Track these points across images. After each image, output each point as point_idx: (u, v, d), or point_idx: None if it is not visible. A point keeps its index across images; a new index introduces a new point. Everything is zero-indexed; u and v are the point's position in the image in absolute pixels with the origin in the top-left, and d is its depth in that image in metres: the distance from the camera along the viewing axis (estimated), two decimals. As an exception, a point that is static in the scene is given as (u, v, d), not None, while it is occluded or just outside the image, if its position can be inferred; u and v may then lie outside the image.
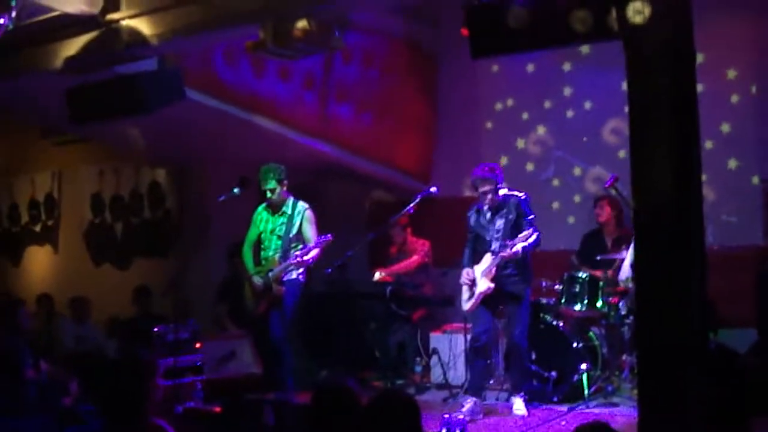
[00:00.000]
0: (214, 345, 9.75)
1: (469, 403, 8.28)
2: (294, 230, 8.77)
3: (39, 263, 14.40)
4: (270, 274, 8.74)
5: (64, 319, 11.84)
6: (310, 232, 8.76)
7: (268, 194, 8.83)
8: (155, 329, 9.09)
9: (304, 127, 10.73)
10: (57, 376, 8.33)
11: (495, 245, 8.30)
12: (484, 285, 8.26)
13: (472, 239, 8.56)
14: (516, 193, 8.44)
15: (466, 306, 8.46)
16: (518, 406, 8.34)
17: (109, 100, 8.23)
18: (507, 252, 8.12)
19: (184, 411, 8.48)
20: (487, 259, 8.33)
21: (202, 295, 11.67)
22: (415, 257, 10.49)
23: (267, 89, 10.20)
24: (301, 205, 8.86)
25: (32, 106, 10.43)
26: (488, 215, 8.42)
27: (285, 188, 8.86)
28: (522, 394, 8.41)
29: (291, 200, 8.87)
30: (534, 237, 8.15)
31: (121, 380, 5.09)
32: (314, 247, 8.59)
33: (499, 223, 8.32)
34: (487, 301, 8.36)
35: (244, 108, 9.97)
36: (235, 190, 9.20)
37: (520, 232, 8.16)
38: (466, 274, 8.41)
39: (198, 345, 9.22)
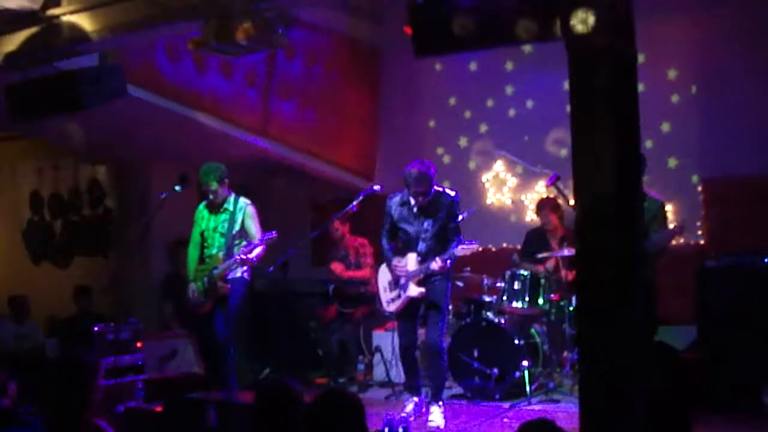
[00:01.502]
0: (156, 344, 9.70)
1: (410, 403, 8.25)
2: (237, 227, 8.71)
3: (-24, 262, 14.21)
4: (214, 271, 8.67)
5: (3, 320, 11.67)
6: (253, 228, 8.72)
7: (210, 195, 8.77)
8: (95, 328, 8.99)
9: (246, 125, 10.68)
10: (-5, 376, 8.24)
11: (422, 245, 8.02)
12: (415, 290, 8.00)
13: (389, 230, 8.24)
14: (448, 191, 8.08)
15: (392, 307, 8.25)
16: (435, 417, 7.91)
17: (50, 97, 8.10)
18: (438, 266, 7.86)
19: (125, 410, 8.41)
20: (413, 260, 8.07)
21: (143, 293, 11.61)
22: (368, 263, 10.44)
23: (209, 86, 10.14)
24: (243, 201, 8.80)
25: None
26: (415, 210, 8.04)
27: (226, 187, 8.80)
28: (440, 402, 8.05)
29: (232, 197, 8.81)
30: (453, 244, 7.90)
31: (62, 381, 5.04)
32: (258, 245, 8.55)
33: (428, 223, 7.99)
34: (410, 304, 8.13)
35: (186, 105, 9.90)
36: (176, 188, 9.16)
37: (447, 235, 7.97)
38: (401, 268, 8.10)
39: (139, 344, 9.15)
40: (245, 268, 8.70)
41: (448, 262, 7.91)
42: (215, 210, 8.83)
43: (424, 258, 7.99)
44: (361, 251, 10.48)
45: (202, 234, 8.89)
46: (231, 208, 8.76)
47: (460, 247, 7.85)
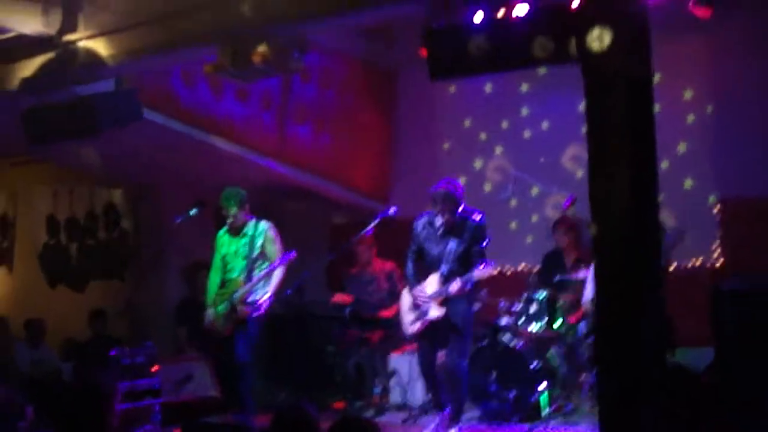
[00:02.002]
0: (172, 368, 9.68)
1: (434, 422, 8.20)
2: (257, 250, 8.71)
3: (-7, 285, 14.24)
4: (234, 295, 8.67)
5: (18, 342, 11.69)
6: (273, 250, 8.73)
7: (230, 219, 8.79)
8: (111, 352, 8.99)
9: (261, 148, 10.70)
10: (12, 400, 8.23)
11: (444, 267, 8.01)
12: (435, 312, 8.00)
13: (415, 251, 8.27)
14: (475, 215, 8.10)
15: (412, 329, 8.22)
16: None
17: (66, 121, 8.16)
18: (456, 288, 7.88)
19: (142, 434, 8.41)
20: (434, 282, 8.07)
21: (159, 317, 11.60)
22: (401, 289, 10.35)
23: (225, 110, 10.17)
24: (263, 224, 8.81)
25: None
26: (441, 231, 8.07)
27: (246, 211, 8.81)
28: (457, 425, 8.08)
29: (252, 221, 8.82)
30: (482, 268, 7.87)
31: (78, 405, 5.04)
32: (278, 265, 8.56)
33: (452, 244, 8.00)
34: (430, 326, 8.10)
35: (202, 129, 9.92)
36: (192, 212, 9.18)
37: (470, 258, 7.95)
38: (420, 294, 8.13)
39: (155, 368, 9.13)
40: (267, 291, 8.68)
41: (468, 285, 7.87)
42: (235, 234, 8.84)
43: (446, 279, 7.98)
44: (396, 275, 10.36)
45: (223, 259, 8.89)
46: (251, 232, 8.76)
47: (477, 270, 7.82)
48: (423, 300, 8.09)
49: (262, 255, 8.73)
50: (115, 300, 12.08)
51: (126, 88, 8.38)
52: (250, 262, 8.69)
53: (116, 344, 9.70)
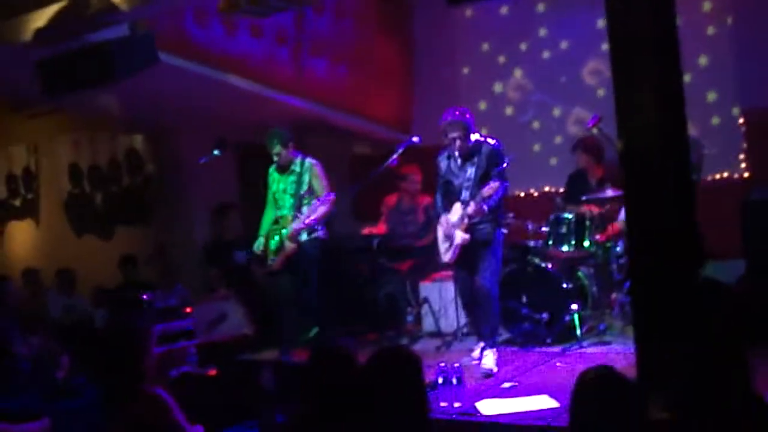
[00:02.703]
0: (204, 308, 9.76)
1: (477, 348, 8.22)
2: (304, 186, 8.82)
3: (21, 238, 14.30)
4: (283, 231, 8.74)
5: (51, 291, 11.79)
6: (319, 187, 8.85)
7: (275, 158, 8.90)
8: (144, 297, 9.06)
9: (279, 84, 10.63)
10: (48, 349, 8.32)
11: (465, 194, 8.00)
12: (459, 237, 7.99)
13: (442, 185, 8.29)
14: (489, 140, 8.08)
15: (446, 257, 8.24)
16: (488, 360, 7.90)
17: (81, 70, 8.11)
18: (472, 209, 7.85)
19: (179, 376, 8.49)
20: (458, 209, 8.06)
21: (188, 259, 11.65)
22: None
23: (240, 48, 10.09)
24: (309, 161, 8.92)
25: (2, 80, 10.30)
26: (459, 161, 8.09)
27: (291, 149, 8.91)
28: (492, 347, 8.04)
29: (299, 158, 8.92)
30: (497, 189, 7.81)
31: (113, 351, 5.08)
32: (319, 205, 8.63)
33: (470, 171, 8.00)
34: (463, 252, 8.09)
35: (218, 68, 9.86)
36: (215, 152, 9.20)
37: (491, 181, 7.88)
38: (445, 222, 8.18)
39: (188, 310, 9.21)
40: (319, 227, 8.81)
41: (483, 205, 7.84)
42: (283, 171, 8.95)
43: (468, 205, 7.97)
44: (432, 209, 10.39)
45: (273, 195, 9.00)
46: (298, 169, 8.84)
47: (485, 188, 7.81)
48: (449, 228, 8.11)
49: (310, 191, 8.83)
50: (143, 245, 12.13)
51: (141, 33, 8.31)
52: (298, 199, 8.78)
53: (147, 289, 9.78)
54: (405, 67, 12.27)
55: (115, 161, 12.96)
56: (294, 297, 8.88)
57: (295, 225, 8.70)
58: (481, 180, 7.94)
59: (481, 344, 8.16)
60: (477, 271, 8.05)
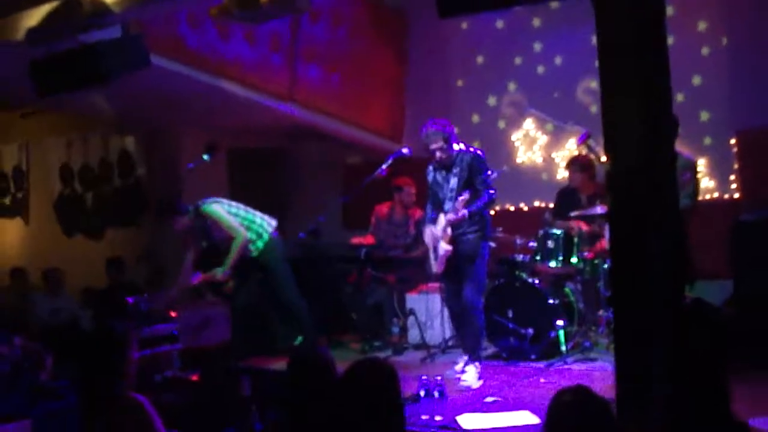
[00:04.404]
0: (190, 314, 9.72)
1: (461, 361, 8.22)
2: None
3: (10, 236, 14.27)
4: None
5: (38, 292, 11.74)
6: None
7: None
8: (129, 299, 9.02)
9: (272, 91, 10.62)
10: (32, 351, 8.28)
11: (448, 205, 7.98)
12: (443, 248, 7.98)
13: (431, 196, 8.28)
14: (470, 149, 8.09)
15: (435, 268, 8.24)
16: (468, 376, 7.87)
17: (74, 71, 8.08)
18: (451, 216, 7.86)
19: (162, 380, 8.44)
20: (442, 220, 8.06)
21: (176, 262, 11.60)
22: None
23: (233, 53, 10.08)
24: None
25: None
26: (443, 172, 8.09)
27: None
28: (475, 361, 8.07)
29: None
30: (476, 201, 7.81)
31: (97, 353, 5.06)
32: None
33: (453, 181, 7.98)
34: (449, 264, 8.07)
35: (211, 72, 9.84)
36: (205, 157, 9.18)
37: (476, 189, 7.89)
38: (430, 233, 8.17)
39: (173, 314, 9.18)
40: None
41: (457, 214, 7.81)
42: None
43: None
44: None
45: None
46: None
47: (459, 198, 7.80)
48: (434, 240, 8.12)
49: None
50: (132, 247, 12.11)
51: (133, 34, 8.28)
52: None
53: (134, 291, 9.74)
54: (399, 78, 12.26)
55: (106, 162, 12.94)
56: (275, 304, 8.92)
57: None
58: (464, 189, 7.91)
59: (465, 357, 8.16)
60: (463, 284, 8.04)
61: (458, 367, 8.17)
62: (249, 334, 9.25)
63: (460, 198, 7.79)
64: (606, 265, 8.91)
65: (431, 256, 8.32)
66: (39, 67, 8.19)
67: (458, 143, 8.09)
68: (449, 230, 7.95)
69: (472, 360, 8.02)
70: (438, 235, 8.05)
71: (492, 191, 7.97)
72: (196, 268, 10.20)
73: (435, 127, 7.93)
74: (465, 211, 7.80)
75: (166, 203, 9.09)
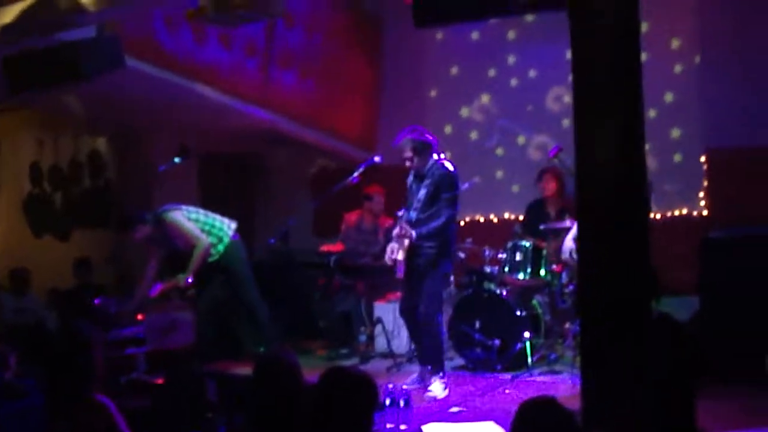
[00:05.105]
0: (157, 316, 9.66)
1: (416, 372, 8.22)
2: None
3: (-23, 235, 14.15)
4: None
5: (3, 291, 11.64)
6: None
7: None
8: (96, 301, 8.97)
9: (245, 95, 10.60)
10: (-5, 349, 8.21)
11: (412, 214, 7.88)
12: (400, 255, 7.91)
13: (407, 200, 8.17)
14: (446, 163, 7.94)
15: (400, 273, 8.12)
16: (435, 387, 7.84)
17: (47, 69, 8.05)
18: (397, 231, 7.86)
19: (127, 382, 8.40)
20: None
21: (144, 265, 11.55)
22: None
23: (208, 56, 10.06)
24: None
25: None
26: (417, 181, 8.00)
27: None
28: (439, 373, 7.95)
29: None
30: (440, 218, 7.78)
31: (62, 354, 5.01)
32: None
33: (422, 192, 7.87)
34: (407, 272, 8.00)
35: (185, 76, 9.81)
36: (176, 159, 9.15)
37: (438, 206, 7.81)
38: (396, 235, 7.98)
39: (140, 317, 9.13)
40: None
41: (413, 233, 7.77)
42: None
43: (412, 226, 7.87)
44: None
45: None
46: None
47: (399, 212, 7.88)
48: (395, 242, 8.02)
49: None
50: (100, 248, 12.04)
51: (108, 35, 8.26)
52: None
53: (101, 293, 9.69)
54: (373, 86, 12.28)
55: (76, 162, 12.85)
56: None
57: None
58: (430, 201, 7.85)
59: (426, 367, 8.09)
60: (417, 300, 7.99)
61: (414, 377, 8.15)
62: (214, 338, 9.21)
63: (399, 213, 7.87)
64: (564, 279, 8.98)
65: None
66: (12, 64, 8.15)
67: (438, 154, 8.02)
68: (406, 241, 7.88)
69: (435, 372, 7.95)
70: (398, 241, 7.96)
71: (453, 212, 7.90)
72: (160, 274, 10.17)
73: (411, 135, 7.89)
74: (413, 233, 7.77)
75: (125, 218, 9.05)
